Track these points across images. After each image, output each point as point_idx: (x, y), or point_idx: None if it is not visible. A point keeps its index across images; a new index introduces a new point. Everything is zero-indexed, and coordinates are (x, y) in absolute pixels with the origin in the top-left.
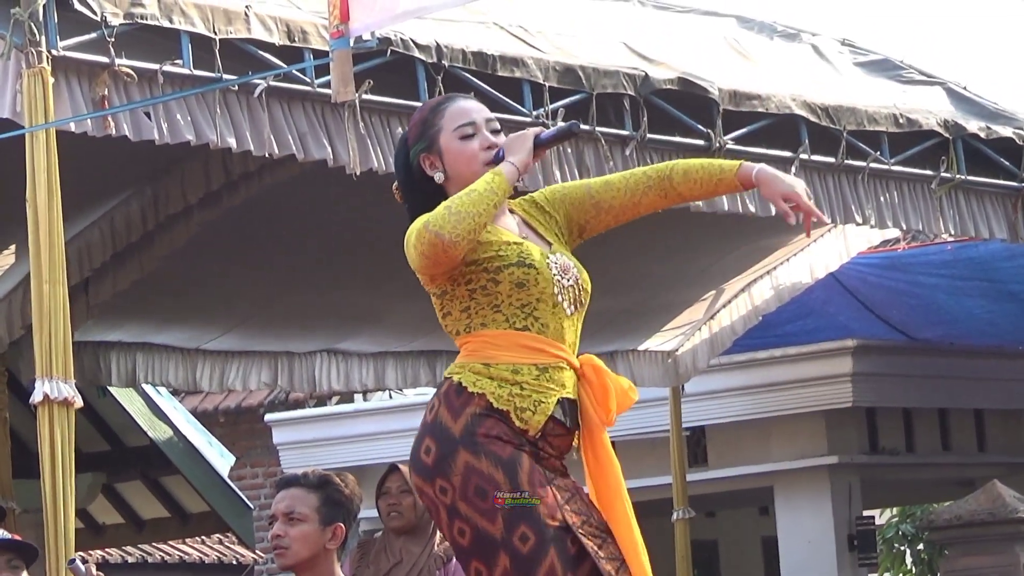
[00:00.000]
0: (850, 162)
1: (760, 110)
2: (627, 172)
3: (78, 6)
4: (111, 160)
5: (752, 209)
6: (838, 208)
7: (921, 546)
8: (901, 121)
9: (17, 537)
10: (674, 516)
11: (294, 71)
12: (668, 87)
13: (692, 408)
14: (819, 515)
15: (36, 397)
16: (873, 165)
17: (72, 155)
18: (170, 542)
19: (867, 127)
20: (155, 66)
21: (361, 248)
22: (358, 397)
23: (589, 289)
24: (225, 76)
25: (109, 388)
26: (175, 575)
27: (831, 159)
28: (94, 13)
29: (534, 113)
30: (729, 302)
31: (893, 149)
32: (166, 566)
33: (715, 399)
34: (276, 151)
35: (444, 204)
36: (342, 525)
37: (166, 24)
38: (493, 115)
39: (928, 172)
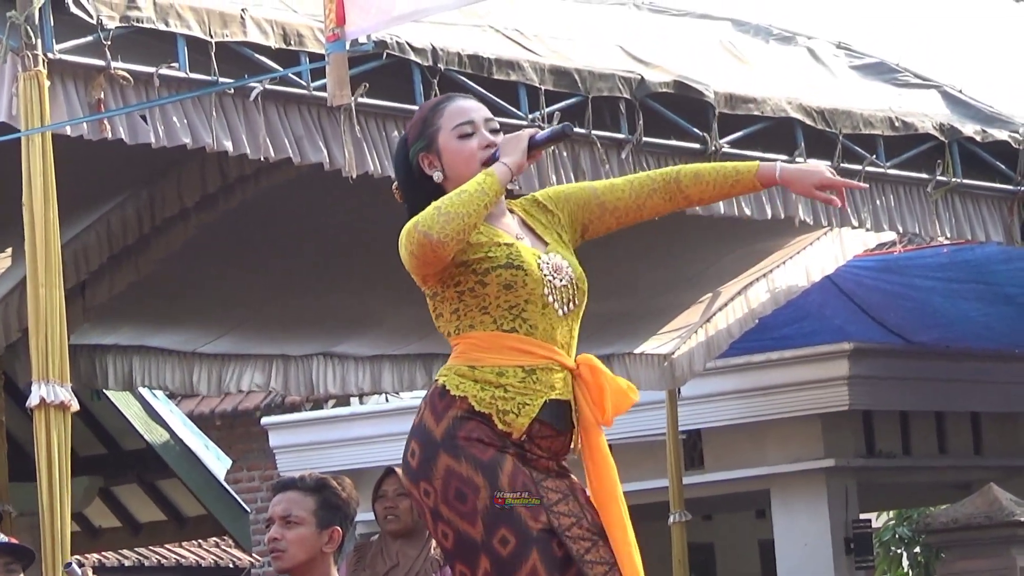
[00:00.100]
0: (846, 165)
1: (756, 113)
2: (631, 175)
3: (74, 9)
4: (107, 163)
5: (748, 212)
6: (834, 211)
7: (918, 549)
8: (897, 124)
9: (14, 540)
10: (670, 519)
11: (290, 74)
12: (664, 90)
13: (688, 411)
14: (816, 518)
15: (32, 401)
16: (869, 168)
17: (68, 158)
18: (166, 545)
19: (863, 130)
20: (151, 69)
21: (357, 251)
22: (354, 400)
23: (585, 289)
24: (221, 79)
25: (106, 392)
26: None
27: (827, 162)
28: (90, 16)
29: (530, 116)
30: (725, 305)
31: (889, 152)
32: (162, 569)
33: (711, 402)
34: (272, 154)
35: (434, 204)
36: (339, 528)
37: (162, 27)
38: (492, 115)
39: (924, 175)
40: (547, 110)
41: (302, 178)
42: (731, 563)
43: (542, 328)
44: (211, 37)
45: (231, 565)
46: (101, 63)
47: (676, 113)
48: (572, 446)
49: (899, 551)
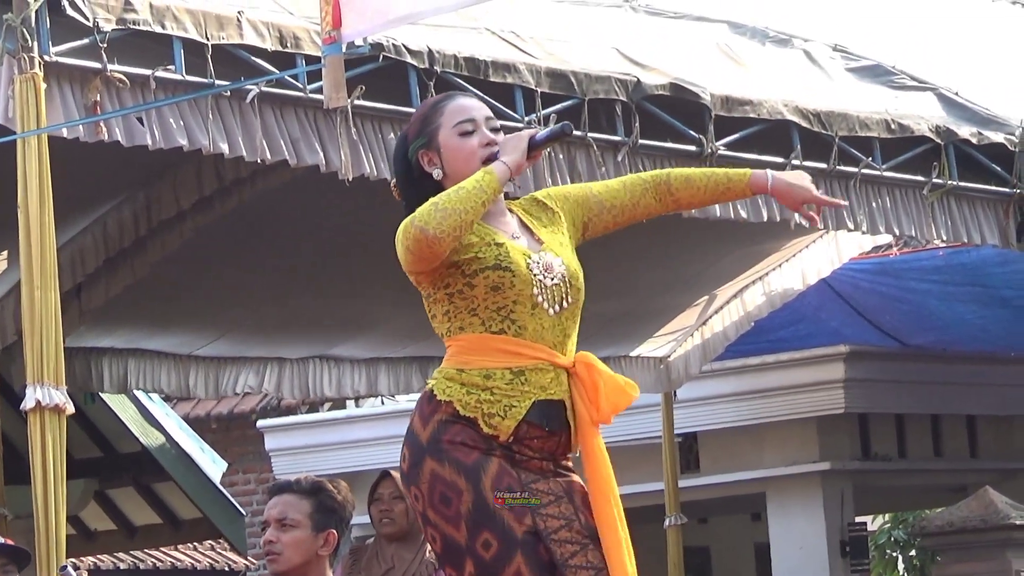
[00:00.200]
0: (842, 168)
1: (752, 116)
2: (626, 176)
3: (70, 12)
4: (103, 166)
5: (744, 215)
6: (830, 214)
7: (913, 552)
8: (893, 127)
9: (9, 542)
10: (666, 522)
11: (286, 77)
12: (660, 92)
13: (684, 414)
14: (811, 521)
15: (28, 404)
16: (865, 171)
17: (64, 161)
18: (162, 548)
19: (859, 133)
20: (147, 71)
21: (354, 254)
22: (350, 403)
23: (580, 285)
24: (217, 82)
25: (101, 395)
26: None
27: (823, 165)
28: (86, 19)
29: (526, 119)
30: (721, 308)
31: (885, 155)
32: (158, 572)
33: (707, 405)
34: (268, 157)
35: (431, 200)
36: (334, 531)
37: (158, 30)
38: (493, 115)
39: (920, 178)
40: (543, 112)
41: (298, 180)
42: (727, 566)
43: (532, 329)
44: (207, 39)
45: (226, 568)
46: (97, 65)
47: (672, 115)
48: (573, 445)
49: (895, 554)
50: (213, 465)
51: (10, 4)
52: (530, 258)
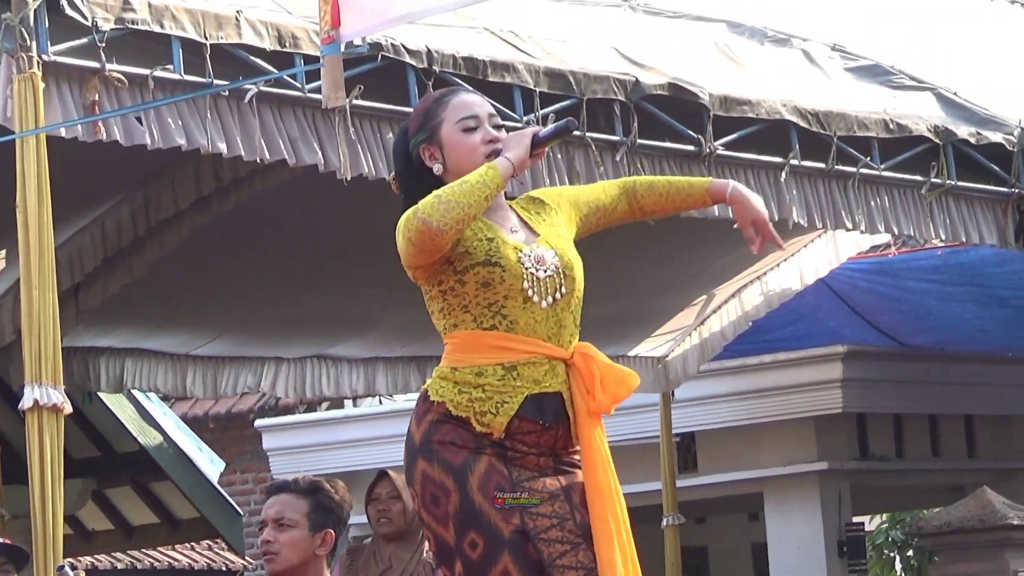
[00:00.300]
0: (840, 167)
1: (750, 115)
2: (606, 182)
3: (69, 11)
4: (102, 165)
5: None
6: (828, 213)
7: (911, 552)
8: (891, 126)
9: (7, 541)
10: (664, 522)
11: (285, 76)
12: (658, 92)
13: (682, 414)
14: (809, 521)
15: (25, 403)
16: (863, 171)
17: (63, 160)
18: (159, 548)
19: (857, 132)
20: (146, 71)
21: (352, 253)
22: (348, 403)
23: (575, 275)
24: (216, 81)
25: (99, 394)
26: None
27: (821, 164)
28: (85, 18)
29: (524, 118)
30: (719, 308)
31: (883, 154)
32: (155, 572)
33: (705, 405)
34: (267, 156)
35: (435, 193)
36: (332, 531)
37: (157, 29)
38: (495, 112)
39: (918, 177)
40: (541, 112)
41: (296, 180)
42: (724, 566)
43: (524, 322)
44: (206, 39)
45: (224, 568)
46: (96, 65)
47: (671, 115)
48: (574, 437)
49: (892, 554)
50: (211, 465)
51: (8, 3)
52: (521, 252)
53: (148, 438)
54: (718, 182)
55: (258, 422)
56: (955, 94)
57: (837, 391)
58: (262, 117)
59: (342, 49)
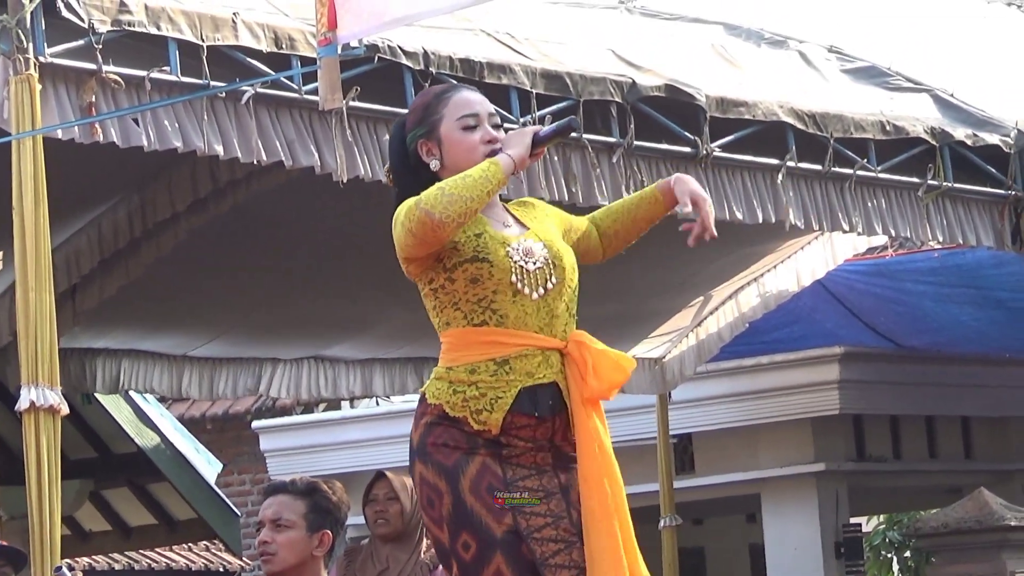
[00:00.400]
0: (837, 169)
1: (747, 117)
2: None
3: (66, 13)
4: (98, 167)
5: (739, 216)
6: (825, 215)
7: (908, 554)
8: (888, 128)
9: (4, 543)
10: (661, 524)
11: (282, 78)
12: (655, 94)
13: (679, 415)
14: (806, 522)
15: (22, 404)
16: (860, 172)
17: (59, 162)
18: (157, 549)
19: (854, 134)
20: (142, 73)
21: (348, 255)
22: (345, 404)
23: (566, 264)
24: (213, 83)
25: (96, 395)
26: None
27: (818, 166)
28: (82, 20)
29: (521, 120)
30: (716, 309)
31: (880, 156)
32: (153, 573)
33: (702, 406)
34: (264, 158)
35: (437, 185)
36: (329, 532)
37: (153, 31)
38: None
39: (915, 179)
40: (538, 114)
41: (293, 182)
42: (721, 567)
43: (513, 316)
44: (202, 41)
45: (221, 569)
46: (92, 67)
47: (667, 117)
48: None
49: (889, 555)
50: (208, 466)
51: (5, 5)
52: (509, 245)
53: (145, 439)
54: (662, 180)
55: (255, 423)
56: (952, 96)
57: (834, 392)
58: (259, 119)
59: (339, 51)
